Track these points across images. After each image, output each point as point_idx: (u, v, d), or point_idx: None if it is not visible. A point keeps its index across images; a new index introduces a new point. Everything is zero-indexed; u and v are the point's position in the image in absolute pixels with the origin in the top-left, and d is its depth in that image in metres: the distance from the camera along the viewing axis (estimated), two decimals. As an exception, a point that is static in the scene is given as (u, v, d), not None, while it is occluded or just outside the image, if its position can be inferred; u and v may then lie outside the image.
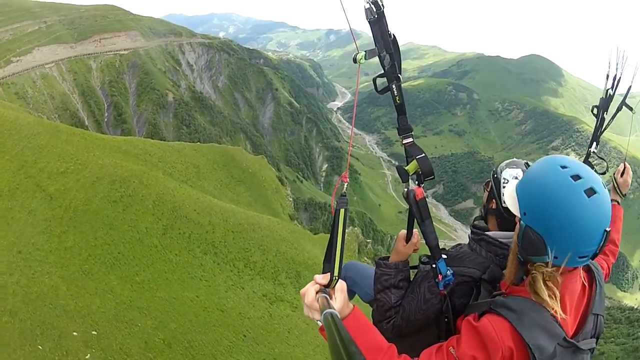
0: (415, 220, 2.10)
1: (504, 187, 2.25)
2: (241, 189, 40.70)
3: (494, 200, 2.34)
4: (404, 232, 2.31)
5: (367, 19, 1.77)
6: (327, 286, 1.51)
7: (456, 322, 2.02)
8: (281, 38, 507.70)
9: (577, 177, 1.49)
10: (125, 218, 19.94)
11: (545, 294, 1.55)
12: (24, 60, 79.14)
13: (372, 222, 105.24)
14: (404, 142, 2.01)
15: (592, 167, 2.28)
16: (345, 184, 1.65)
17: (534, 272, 1.60)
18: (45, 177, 18.92)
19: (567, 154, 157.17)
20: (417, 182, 2.04)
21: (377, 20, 1.77)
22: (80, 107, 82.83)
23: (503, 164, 2.37)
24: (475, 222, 2.45)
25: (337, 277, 1.51)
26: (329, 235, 1.54)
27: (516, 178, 2.17)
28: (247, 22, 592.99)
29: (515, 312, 1.59)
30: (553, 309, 1.55)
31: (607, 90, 2.92)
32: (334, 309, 1.31)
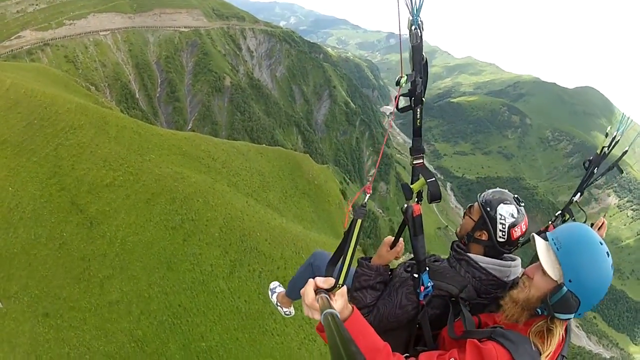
0: (404, 231, 2.17)
1: (501, 223, 2.30)
2: (305, 202, 36.72)
3: (484, 232, 2.35)
4: (390, 238, 2.35)
5: (411, 43, 1.75)
6: (328, 290, 1.48)
7: (431, 329, 2.21)
8: (341, 35, 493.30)
9: (608, 254, 1.75)
10: (187, 252, 14.89)
11: (555, 342, 1.81)
12: (78, 24, 75.99)
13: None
14: (414, 162, 2.02)
15: (572, 216, 2.91)
16: (367, 194, 1.74)
17: (552, 325, 1.82)
18: (85, 192, 13.63)
19: (609, 195, 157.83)
20: (417, 200, 2.07)
21: (419, 44, 1.75)
22: (132, 79, 79.75)
23: (490, 196, 2.39)
24: (458, 243, 2.47)
25: (340, 285, 1.51)
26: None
27: (512, 216, 2.29)
28: (309, 15, 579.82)
29: (513, 342, 1.75)
30: (549, 350, 1.79)
31: (603, 147, 2.99)
32: (335, 309, 1.26)
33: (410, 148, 2.00)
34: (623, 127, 3.01)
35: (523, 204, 2.39)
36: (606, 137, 3.02)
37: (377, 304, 2.29)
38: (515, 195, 2.39)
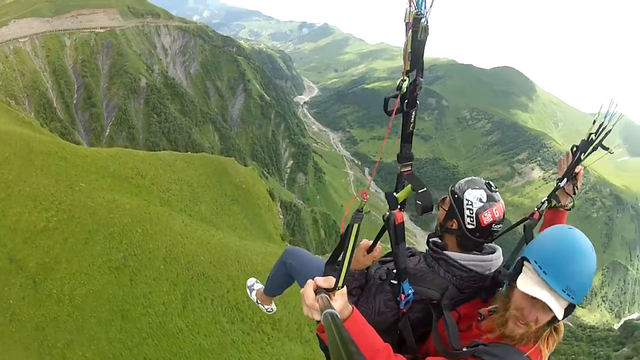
0: (381, 236, 2.07)
1: (468, 209, 2.21)
2: (236, 208, 36.37)
3: (454, 220, 2.27)
4: (367, 242, 2.24)
5: (419, 38, 1.57)
6: (328, 290, 1.47)
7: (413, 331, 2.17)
8: (254, 27, 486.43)
9: (591, 249, 1.73)
10: (137, 294, 14.05)
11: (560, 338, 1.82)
12: (0, 32, 72.98)
13: (335, 224, 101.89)
14: (402, 170, 1.94)
15: (559, 201, 2.83)
16: (365, 200, 1.72)
17: (557, 324, 1.80)
18: (21, 243, 12.19)
19: (532, 168, 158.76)
20: (400, 207, 1.94)
21: (425, 40, 1.57)
22: (49, 87, 76.84)
23: (463, 183, 2.32)
24: (434, 239, 2.41)
25: (340, 287, 1.51)
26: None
27: (480, 200, 2.20)
28: (222, 8, 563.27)
29: (500, 357, 1.71)
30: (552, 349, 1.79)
31: (590, 134, 2.92)
32: (335, 309, 1.25)
33: (398, 155, 1.92)
34: (611, 115, 2.94)
35: (496, 190, 2.31)
36: (593, 124, 3.00)
37: None
38: (487, 181, 2.31)
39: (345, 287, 1.55)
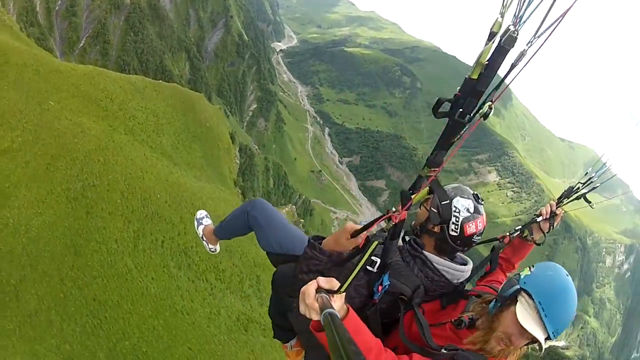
0: (371, 226, 1.94)
1: (455, 216, 2.21)
2: (196, 146, 35.37)
3: (438, 227, 2.26)
4: (353, 225, 2.05)
5: (505, 45, 1.35)
6: (328, 291, 1.45)
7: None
8: None
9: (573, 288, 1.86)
10: (91, 227, 13.43)
11: None
12: None
13: (285, 175, 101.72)
14: (428, 174, 1.81)
15: (531, 233, 2.87)
16: (394, 222, 1.75)
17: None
18: None
19: (490, 171, 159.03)
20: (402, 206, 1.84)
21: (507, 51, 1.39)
22: None
23: (451, 189, 2.29)
24: (414, 237, 2.36)
25: (342, 291, 1.51)
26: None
27: (468, 210, 2.22)
28: None
29: None
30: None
31: (578, 183, 3.05)
32: (334, 309, 1.25)
33: (428, 158, 1.79)
34: (601, 171, 3.02)
35: (482, 202, 2.34)
36: (585, 174, 3.08)
37: None
38: (475, 192, 2.32)
39: (345, 292, 1.54)
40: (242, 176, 68.75)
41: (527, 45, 1.31)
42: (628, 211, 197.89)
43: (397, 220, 1.80)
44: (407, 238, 2.36)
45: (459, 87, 1.56)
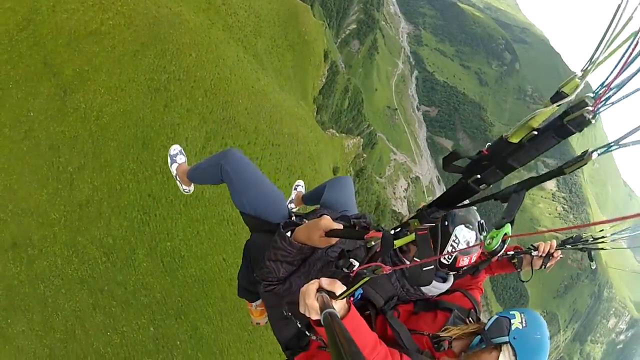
0: (349, 235, 1.78)
1: (452, 245, 1.95)
2: (289, 55, 33.96)
3: (430, 243, 1.87)
4: (328, 222, 1.78)
5: (569, 125, 0.99)
6: (330, 294, 1.36)
7: None
8: None
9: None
10: (165, 122, 12.68)
11: None
12: None
13: (362, 102, 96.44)
14: (417, 228, 1.59)
15: (521, 263, 2.62)
16: (385, 272, 1.46)
17: None
18: (63, 45, 9.49)
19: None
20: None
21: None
22: None
23: (459, 215, 1.98)
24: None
25: (345, 296, 1.41)
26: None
27: (467, 243, 1.95)
28: None
29: None
30: None
31: (590, 235, 2.82)
32: (335, 309, 1.19)
33: (422, 212, 1.58)
34: (615, 236, 2.84)
35: (485, 234, 1.91)
36: (600, 231, 2.91)
37: (290, 279, 2.00)
38: (481, 221, 2.02)
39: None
40: (321, 92, 66.21)
41: (597, 152, 0.95)
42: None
43: (386, 271, 1.43)
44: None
45: (488, 144, 1.22)
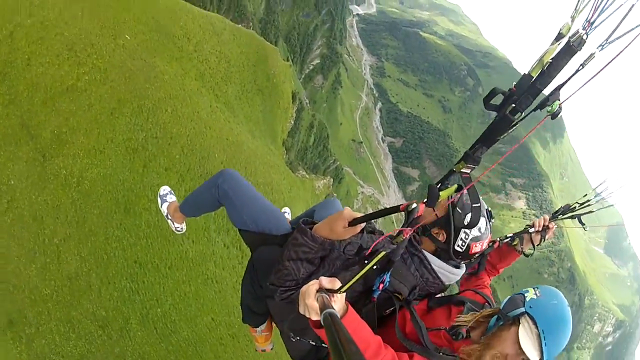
0: (374, 218, 1.74)
1: (465, 233, 2.01)
2: (258, 99, 34.40)
3: (444, 233, 2.06)
4: (350, 212, 1.80)
5: (574, 44, 1.24)
6: (329, 291, 1.41)
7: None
8: None
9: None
10: (145, 184, 12.54)
11: None
12: None
13: (327, 137, 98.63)
14: (463, 170, 1.60)
15: (522, 243, 2.75)
16: (405, 237, 1.61)
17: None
18: (40, 103, 9.08)
19: (519, 197, 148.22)
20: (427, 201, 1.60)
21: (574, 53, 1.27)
22: None
23: (465, 199, 2.01)
24: (413, 234, 2.15)
25: (343, 291, 1.45)
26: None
27: (479, 230, 2.02)
28: None
29: None
30: None
31: (575, 203, 2.96)
32: (334, 309, 1.22)
33: (466, 153, 1.58)
34: (601, 198, 2.98)
35: (493, 221, 2.15)
36: (584, 196, 3.02)
37: (309, 280, 1.95)
38: (488, 208, 2.10)
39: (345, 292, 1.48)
40: (289, 133, 67.60)
41: (597, 48, 1.15)
42: (631, 287, 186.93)
43: (407, 236, 1.63)
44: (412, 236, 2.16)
45: (514, 82, 1.41)
